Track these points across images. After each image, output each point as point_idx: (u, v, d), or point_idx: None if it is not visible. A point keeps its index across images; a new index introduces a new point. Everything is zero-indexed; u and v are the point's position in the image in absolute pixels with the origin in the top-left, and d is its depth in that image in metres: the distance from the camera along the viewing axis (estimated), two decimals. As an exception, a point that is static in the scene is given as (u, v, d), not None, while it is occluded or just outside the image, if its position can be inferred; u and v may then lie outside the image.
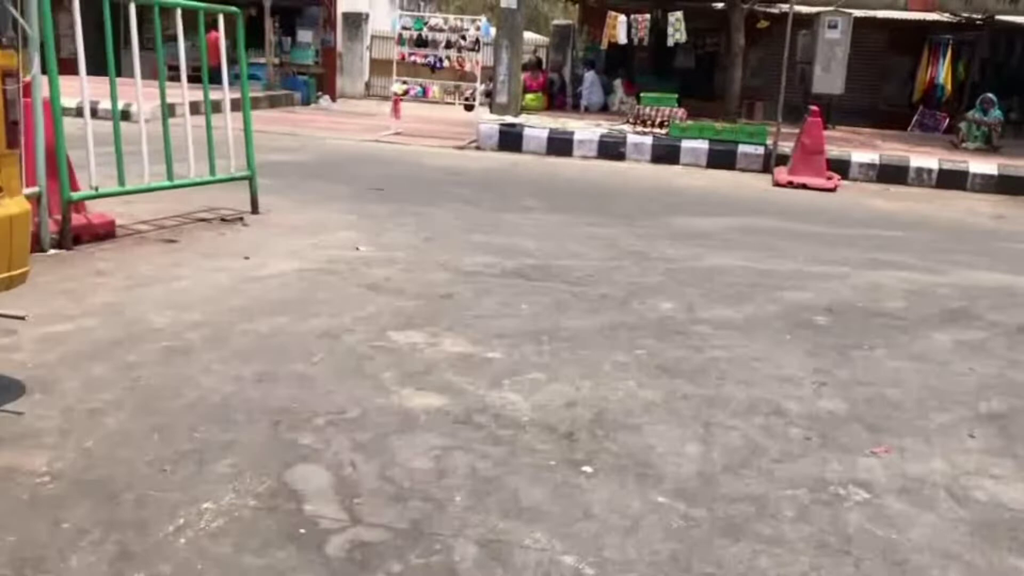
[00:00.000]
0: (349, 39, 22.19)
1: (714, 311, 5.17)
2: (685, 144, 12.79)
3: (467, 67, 13.96)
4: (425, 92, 13.96)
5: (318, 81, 20.91)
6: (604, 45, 14.74)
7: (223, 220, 6.92)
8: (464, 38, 13.85)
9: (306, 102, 19.62)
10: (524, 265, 6.05)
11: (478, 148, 13.33)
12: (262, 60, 19.43)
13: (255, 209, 7.29)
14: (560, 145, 13.07)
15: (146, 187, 6.43)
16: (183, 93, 7.40)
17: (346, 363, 3.95)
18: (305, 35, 21.12)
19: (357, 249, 6.23)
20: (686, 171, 12.36)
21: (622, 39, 14.37)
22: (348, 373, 3.83)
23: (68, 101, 6.55)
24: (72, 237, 5.73)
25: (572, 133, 13.17)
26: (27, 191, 4.48)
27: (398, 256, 6.07)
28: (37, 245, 5.23)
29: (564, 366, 4.08)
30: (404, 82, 14.07)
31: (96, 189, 6.00)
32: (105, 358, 3.80)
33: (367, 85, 22.89)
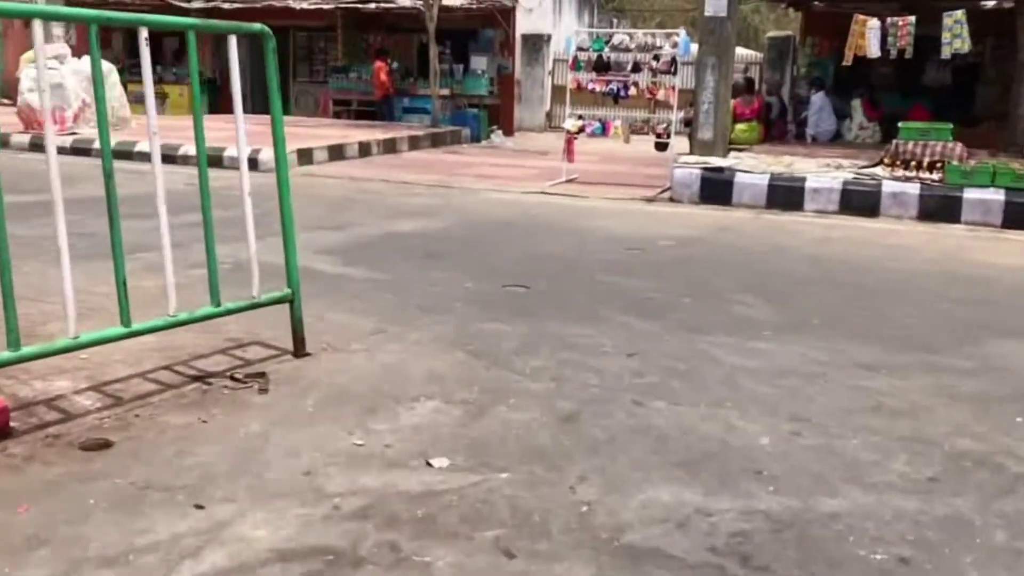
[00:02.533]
0: (528, 64, 19.60)
1: None
2: (968, 195, 9.06)
3: (660, 94, 10.82)
4: (605, 128, 10.93)
5: (492, 113, 18.42)
6: (847, 60, 11.16)
7: (233, 379, 4.17)
8: (657, 58, 10.73)
9: (476, 139, 17.15)
10: (752, 525, 2.89)
11: (672, 200, 10.17)
12: (427, 92, 17.16)
13: (299, 349, 4.51)
14: (786, 196, 9.68)
15: (54, 348, 3.63)
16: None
17: None
18: (479, 62, 18.71)
19: (428, 464, 3.29)
20: (973, 235, 8.63)
21: (873, 51, 10.76)
22: None
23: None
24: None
25: (803, 179, 9.73)
26: None
27: (497, 487, 3.08)
28: None
29: None
30: (579, 116, 11.12)
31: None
32: None
33: (548, 116, 20.19)
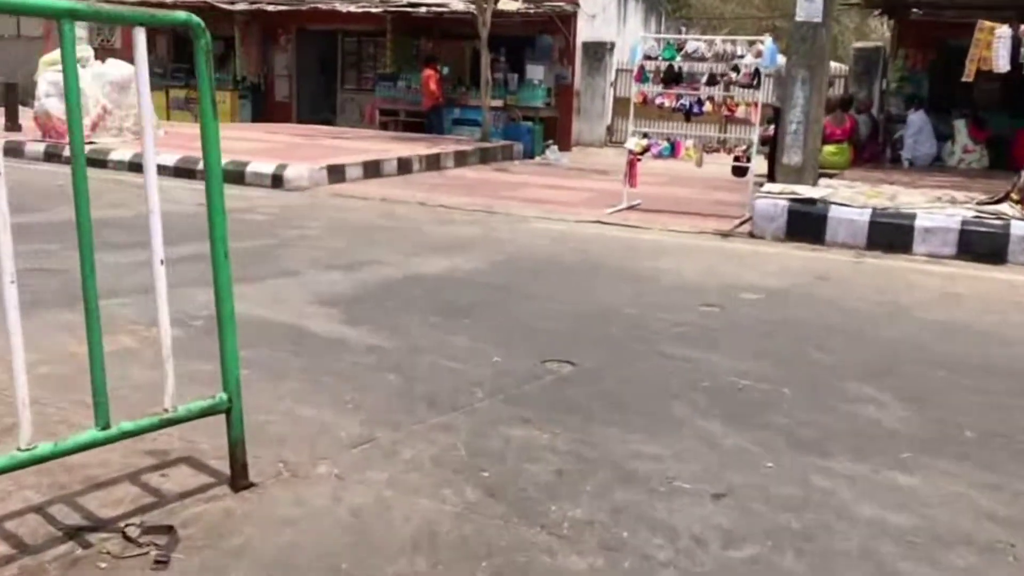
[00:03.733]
0: (589, 74, 18.18)
1: None
2: (1124, 239, 7.39)
3: (739, 111, 9.33)
4: (675, 149, 9.47)
5: (548, 127, 17.04)
6: (968, 75, 9.52)
7: (125, 537, 2.81)
8: (737, 69, 9.24)
9: (529, 155, 15.78)
10: None
11: (752, 235, 8.66)
12: (479, 103, 15.85)
13: (239, 478, 3.13)
14: (891, 235, 8.11)
15: None
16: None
17: None
18: (535, 71, 17.34)
19: None
20: None
21: (1001, 64, 9.11)
22: None
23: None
24: None
25: (912, 216, 8.14)
26: None
27: None
28: None
29: None
30: (644, 134, 9.67)
31: None
32: None
33: (609, 130, 18.73)
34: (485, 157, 14.25)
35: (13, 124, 13.79)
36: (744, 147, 9.69)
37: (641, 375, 4.50)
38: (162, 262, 2.95)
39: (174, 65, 20.75)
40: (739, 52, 9.49)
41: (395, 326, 5.14)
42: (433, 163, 12.80)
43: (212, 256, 3.06)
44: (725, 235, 8.72)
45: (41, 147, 12.09)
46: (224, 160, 12.52)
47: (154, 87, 16.24)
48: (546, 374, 4.44)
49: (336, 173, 11.04)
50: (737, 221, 9.16)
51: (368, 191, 10.52)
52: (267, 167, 10.72)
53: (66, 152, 12.19)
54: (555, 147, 16.33)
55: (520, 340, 4.99)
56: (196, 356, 4.31)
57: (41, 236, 7.22)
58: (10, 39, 20.87)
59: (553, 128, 17.34)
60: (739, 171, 9.86)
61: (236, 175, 10.80)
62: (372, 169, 11.62)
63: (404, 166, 12.19)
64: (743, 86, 9.52)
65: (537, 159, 15.79)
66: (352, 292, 5.90)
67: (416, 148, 13.38)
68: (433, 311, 5.50)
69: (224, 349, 3.11)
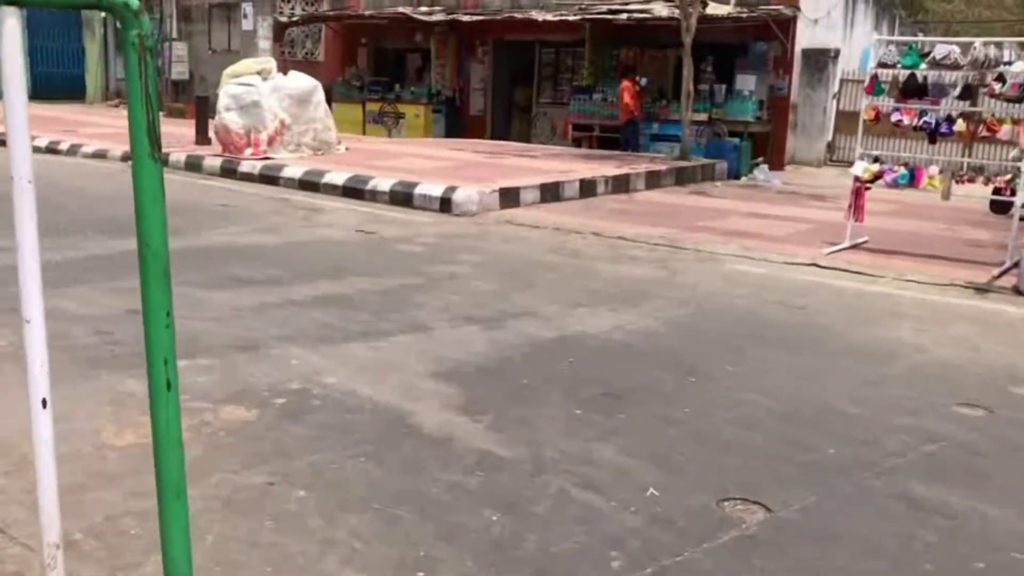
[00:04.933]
0: (808, 84, 16.17)
1: None
2: None
3: (1003, 131, 7.38)
4: (915, 177, 7.64)
5: (758, 144, 15.24)
6: None
7: None
8: (1002, 79, 7.30)
9: (734, 175, 14.08)
10: None
11: (1019, 291, 6.70)
12: (678, 117, 14.33)
13: None
14: None
15: None
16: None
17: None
18: (746, 81, 15.57)
19: None
20: None
21: None
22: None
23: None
24: None
25: None
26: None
27: None
28: None
29: None
30: (875, 158, 7.90)
31: None
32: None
33: (829, 147, 16.61)
34: (682, 178, 12.71)
35: (203, 137, 13.74)
36: (1008, 176, 7.67)
37: (871, 540, 2.96)
38: (30, 322, 1.85)
39: (372, 79, 20.56)
40: (1006, 57, 7.51)
41: (524, 419, 3.86)
42: (620, 185, 11.44)
43: (149, 389, 1.88)
44: (982, 290, 6.81)
45: (218, 162, 11.79)
46: (392, 181, 11.52)
47: (351, 100, 15.94)
48: (724, 526, 3.01)
49: (510, 197, 9.92)
50: (997, 270, 7.20)
51: (541, 218, 9.32)
52: (436, 189, 9.77)
53: (241, 167, 11.87)
54: (764, 166, 14.52)
55: (692, 456, 3.57)
56: (250, 457, 3.24)
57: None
58: (221, 53, 21.48)
59: (764, 145, 15.50)
60: (1000, 206, 7.86)
61: (404, 197, 9.93)
62: (550, 192, 10.42)
63: (587, 188, 10.90)
64: (1010, 100, 7.53)
65: (743, 180, 14.05)
66: (484, 359, 4.67)
67: (603, 167, 12.08)
68: (580, 396, 4.17)
69: (167, 541, 1.91)
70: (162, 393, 1.83)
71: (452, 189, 9.69)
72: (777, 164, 15.31)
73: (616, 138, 16.08)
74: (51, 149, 13.72)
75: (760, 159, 14.93)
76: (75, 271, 6.23)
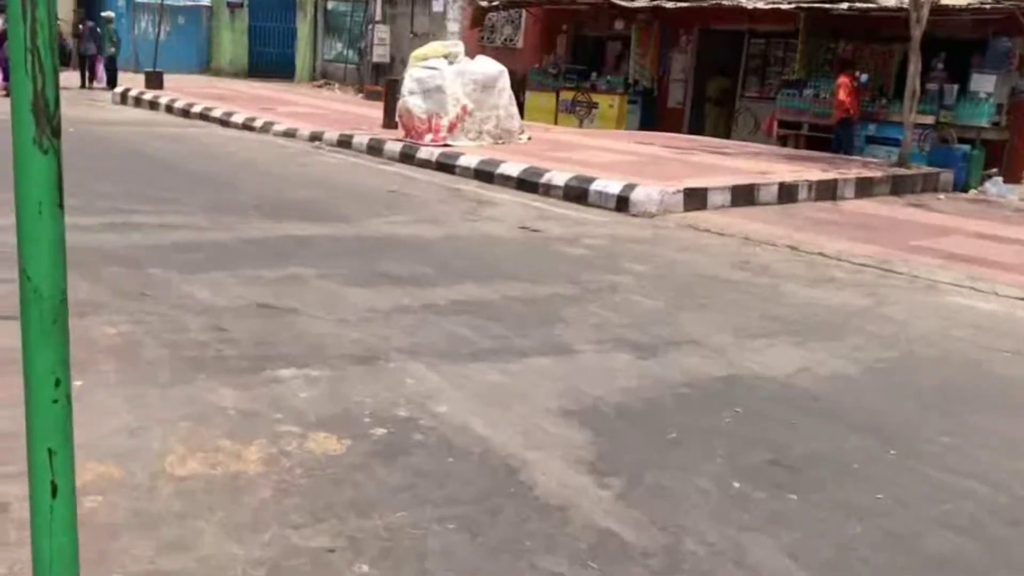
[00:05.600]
0: (1060, 88, 14.04)
1: None
2: None
3: None
4: None
5: (992, 153, 13.39)
6: None
7: None
8: None
9: (962, 187, 12.40)
10: None
11: None
12: (899, 119, 12.79)
13: None
14: None
15: None
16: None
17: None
18: (983, 81, 13.68)
19: None
20: None
21: None
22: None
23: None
24: None
25: None
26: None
27: None
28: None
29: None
30: None
31: None
32: None
33: (1080, 161, 14.40)
34: (898, 187, 11.25)
35: (390, 121, 13.59)
36: None
37: None
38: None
39: (568, 66, 19.95)
40: None
41: (665, 489, 3.08)
42: (826, 191, 10.21)
43: (30, 498, 1.28)
44: None
45: (398, 147, 11.53)
46: (568, 175, 10.70)
47: (545, 88, 15.42)
48: None
49: (695, 198, 8.99)
50: None
51: (729, 224, 8.35)
52: (614, 186, 9.01)
53: (420, 154, 11.55)
54: (999, 179, 12.70)
55: (880, 567, 2.67)
56: (320, 509, 2.67)
57: (312, 255, 6.15)
58: (422, 36, 21.53)
59: (998, 154, 13.60)
60: None
61: (578, 193, 9.24)
62: (743, 195, 9.39)
63: (786, 194, 9.77)
64: None
65: (972, 193, 12.34)
66: (629, 397, 3.90)
67: (808, 170, 10.87)
68: (741, 463, 3.33)
69: None
70: (44, 504, 1.22)
71: (631, 187, 8.89)
72: (1014, 177, 13.38)
73: (826, 138, 14.66)
74: (246, 126, 14.03)
75: (994, 170, 13.10)
76: (222, 254, 5.97)
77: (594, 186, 9.15)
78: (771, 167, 11.04)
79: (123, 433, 3.19)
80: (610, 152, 11.89)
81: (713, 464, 3.31)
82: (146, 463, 2.99)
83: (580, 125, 18.50)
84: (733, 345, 4.77)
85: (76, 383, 3.62)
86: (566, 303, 5.38)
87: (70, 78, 19.65)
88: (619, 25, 19.16)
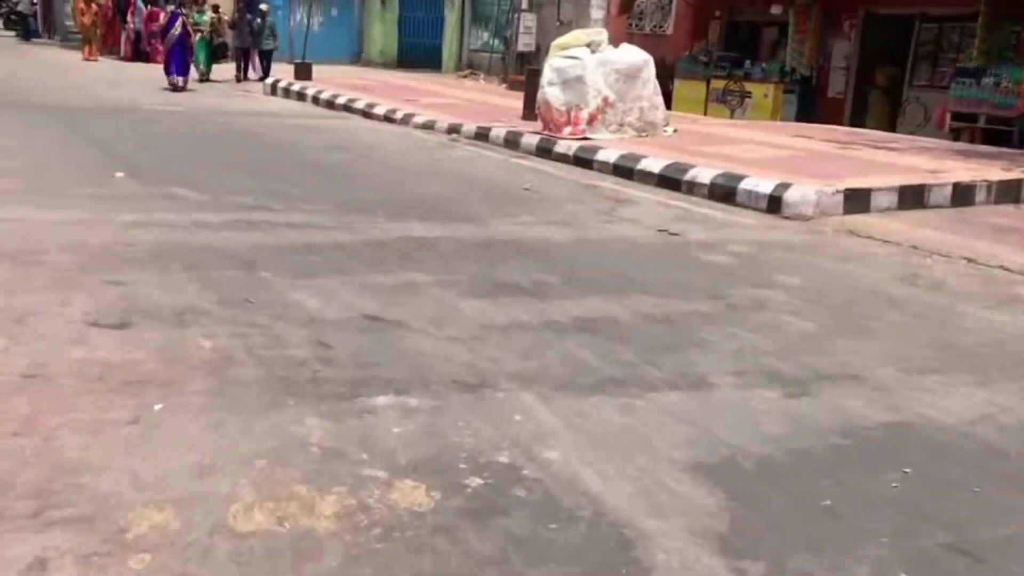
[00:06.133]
0: None
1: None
2: None
3: None
4: None
5: None
6: None
7: None
8: None
9: None
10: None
11: None
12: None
13: None
14: None
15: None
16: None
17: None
18: None
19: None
20: None
21: None
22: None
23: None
24: None
25: None
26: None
27: None
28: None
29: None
30: None
31: None
32: None
33: None
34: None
35: (530, 112, 13.18)
36: None
37: None
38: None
39: (721, 53, 19.00)
40: None
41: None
42: (1008, 193, 9.08)
43: None
44: None
45: (535, 140, 11.10)
46: (715, 172, 9.86)
47: (695, 77, 14.64)
48: None
49: (857, 199, 8.13)
50: None
51: (895, 230, 7.48)
52: (765, 185, 8.27)
53: (557, 147, 11.06)
54: None
55: None
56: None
57: (431, 259, 5.80)
58: (568, 24, 21.02)
59: None
60: None
61: (726, 192, 8.54)
62: (912, 197, 8.44)
63: (961, 196, 8.74)
64: None
65: None
66: (773, 448, 3.31)
67: (987, 169, 9.74)
68: (909, 545, 2.71)
69: None
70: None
71: (784, 186, 8.13)
72: None
73: (1008, 132, 13.27)
74: (388, 118, 13.95)
75: None
76: (339, 256, 5.70)
77: (743, 184, 8.43)
78: (943, 165, 9.96)
79: (192, 472, 2.88)
80: (762, 146, 11.07)
81: (876, 547, 2.70)
82: (209, 511, 2.66)
83: (731, 116, 17.58)
84: (899, 382, 4.07)
85: (156, 407, 3.38)
86: (704, 322, 4.80)
87: (227, 70, 20.28)
88: (776, 10, 18.06)
